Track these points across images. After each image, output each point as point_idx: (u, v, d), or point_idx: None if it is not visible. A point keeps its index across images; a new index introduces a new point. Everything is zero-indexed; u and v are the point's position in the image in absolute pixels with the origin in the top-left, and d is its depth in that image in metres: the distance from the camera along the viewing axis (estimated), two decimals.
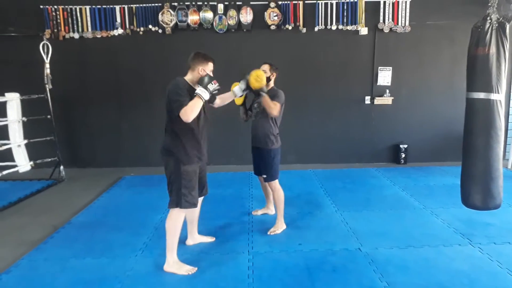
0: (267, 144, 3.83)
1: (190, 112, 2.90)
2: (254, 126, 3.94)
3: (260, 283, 2.99)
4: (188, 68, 3.12)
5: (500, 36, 2.62)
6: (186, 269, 3.17)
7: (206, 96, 3.00)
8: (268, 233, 3.87)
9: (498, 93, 2.68)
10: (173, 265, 3.19)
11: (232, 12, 6.25)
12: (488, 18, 2.65)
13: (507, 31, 2.63)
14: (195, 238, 3.70)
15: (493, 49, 2.63)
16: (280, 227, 3.95)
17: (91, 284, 3.02)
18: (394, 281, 2.98)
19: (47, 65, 5.69)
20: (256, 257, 3.40)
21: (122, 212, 4.62)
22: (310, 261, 3.31)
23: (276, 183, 3.93)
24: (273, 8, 6.25)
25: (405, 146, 6.64)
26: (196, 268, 3.20)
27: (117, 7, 6.27)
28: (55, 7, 6.21)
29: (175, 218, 3.15)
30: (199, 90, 2.98)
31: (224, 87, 3.28)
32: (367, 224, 4.08)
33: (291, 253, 3.46)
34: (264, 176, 3.93)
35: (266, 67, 3.84)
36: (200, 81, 3.04)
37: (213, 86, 3.06)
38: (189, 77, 3.10)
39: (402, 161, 6.67)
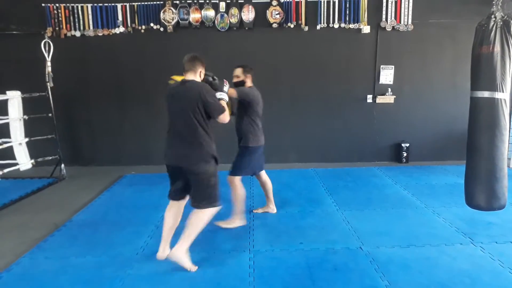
0: (241, 141, 3.90)
1: (228, 115, 3.12)
2: (234, 124, 4.00)
3: (261, 281, 2.99)
4: (188, 71, 3.08)
5: (505, 34, 2.59)
6: (190, 265, 3.17)
7: (227, 98, 3.17)
8: (217, 223, 3.89)
9: (503, 92, 2.66)
10: (186, 254, 3.15)
11: (234, 10, 6.24)
12: (493, 16, 2.62)
13: None
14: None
15: (497, 48, 2.60)
16: (233, 222, 3.96)
17: (92, 283, 3.02)
18: (395, 280, 2.97)
19: (49, 63, 5.68)
20: (257, 255, 3.40)
21: (123, 210, 4.62)
22: (311, 260, 3.31)
23: (235, 179, 3.89)
24: (275, 6, 6.23)
25: (407, 145, 6.62)
26: (196, 267, 3.19)
27: (119, 5, 6.25)
28: (57, 5, 6.20)
29: (210, 215, 3.16)
30: (221, 95, 3.14)
31: None
32: (368, 223, 4.07)
33: (292, 251, 3.46)
34: (230, 170, 3.96)
35: (238, 71, 3.83)
36: (215, 86, 3.15)
37: (227, 86, 3.25)
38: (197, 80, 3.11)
39: (404, 160, 6.65)
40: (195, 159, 3.04)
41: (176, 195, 3.28)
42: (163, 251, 3.29)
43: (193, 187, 3.12)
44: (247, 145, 3.87)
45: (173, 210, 3.30)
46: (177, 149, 3.09)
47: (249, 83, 3.88)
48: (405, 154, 6.64)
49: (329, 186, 5.38)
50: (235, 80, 3.83)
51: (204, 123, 3.00)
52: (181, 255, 3.12)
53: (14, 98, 5.36)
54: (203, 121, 2.99)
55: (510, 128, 2.86)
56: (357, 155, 6.77)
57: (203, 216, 3.12)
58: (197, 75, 3.09)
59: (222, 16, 6.26)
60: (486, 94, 2.70)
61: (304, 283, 2.96)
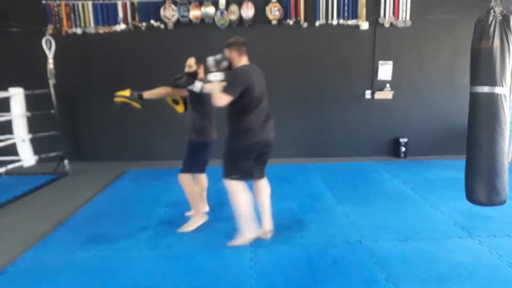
0: (191, 135, 3.79)
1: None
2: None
3: (262, 274, 3.03)
4: (245, 54, 3.36)
5: (504, 29, 2.56)
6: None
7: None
8: (179, 230, 3.83)
9: (503, 86, 2.63)
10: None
11: (234, 7, 6.26)
12: (492, 11, 2.60)
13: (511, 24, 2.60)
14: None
15: (497, 42, 2.57)
16: (192, 224, 3.90)
17: (95, 277, 3.06)
18: (394, 273, 3.01)
19: (50, 61, 5.72)
20: (258, 249, 3.43)
21: (126, 205, 4.66)
22: (311, 253, 3.35)
23: (184, 176, 3.79)
24: (274, 3, 6.25)
25: (405, 140, 6.66)
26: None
27: (119, 2, 6.27)
28: (58, 2, 6.22)
29: None
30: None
31: None
32: (367, 217, 4.11)
33: (292, 245, 3.50)
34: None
35: (192, 61, 3.76)
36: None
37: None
38: None
39: (402, 154, 6.69)
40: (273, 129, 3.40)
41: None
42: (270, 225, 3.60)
43: (267, 157, 3.46)
44: (192, 139, 3.80)
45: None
46: (269, 125, 3.33)
47: (201, 74, 3.74)
48: (403, 149, 6.68)
49: (328, 180, 5.43)
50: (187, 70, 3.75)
51: None
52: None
53: (17, 95, 5.40)
54: None
55: (510, 123, 2.85)
56: (355, 150, 6.81)
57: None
58: None
59: (222, 13, 6.28)
60: (485, 89, 2.67)
61: (304, 276, 3.00)
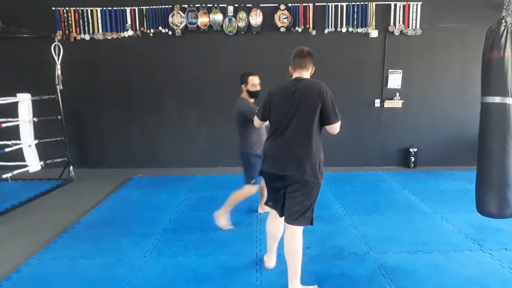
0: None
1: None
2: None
3: (268, 286, 2.98)
4: (302, 68, 2.92)
5: None
6: None
7: None
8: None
9: None
10: None
11: (242, 14, 6.26)
12: (503, 21, 2.60)
13: None
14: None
15: (508, 53, 2.57)
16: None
17: (99, 284, 3.03)
18: (403, 286, 2.95)
19: (58, 66, 5.75)
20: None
21: (131, 212, 4.64)
22: (318, 265, 3.29)
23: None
24: (283, 10, 6.24)
25: (415, 149, 6.59)
26: None
27: (128, 9, 6.30)
28: (67, 8, 6.27)
29: None
30: None
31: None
32: (376, 229, 4.04)
33: None
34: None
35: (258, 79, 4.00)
36: None
37: None
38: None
39: (412, 165, 6.61)
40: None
41: None
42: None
43: None
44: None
45: None
46: (284, 153, 2.93)
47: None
48: (413, 159, 6.60)
49: (336, 190, 5.37)
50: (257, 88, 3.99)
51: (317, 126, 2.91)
52: None
53: (24, 101, 5.42)
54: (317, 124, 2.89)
55: None
56: (364, 159, 6.75)
57: None
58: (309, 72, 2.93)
59: (230, 20, 6.29)
60: (497, 99, 2.66)
61: None
